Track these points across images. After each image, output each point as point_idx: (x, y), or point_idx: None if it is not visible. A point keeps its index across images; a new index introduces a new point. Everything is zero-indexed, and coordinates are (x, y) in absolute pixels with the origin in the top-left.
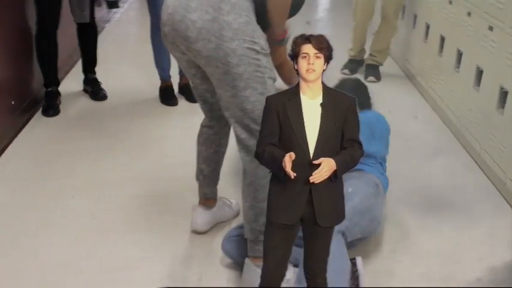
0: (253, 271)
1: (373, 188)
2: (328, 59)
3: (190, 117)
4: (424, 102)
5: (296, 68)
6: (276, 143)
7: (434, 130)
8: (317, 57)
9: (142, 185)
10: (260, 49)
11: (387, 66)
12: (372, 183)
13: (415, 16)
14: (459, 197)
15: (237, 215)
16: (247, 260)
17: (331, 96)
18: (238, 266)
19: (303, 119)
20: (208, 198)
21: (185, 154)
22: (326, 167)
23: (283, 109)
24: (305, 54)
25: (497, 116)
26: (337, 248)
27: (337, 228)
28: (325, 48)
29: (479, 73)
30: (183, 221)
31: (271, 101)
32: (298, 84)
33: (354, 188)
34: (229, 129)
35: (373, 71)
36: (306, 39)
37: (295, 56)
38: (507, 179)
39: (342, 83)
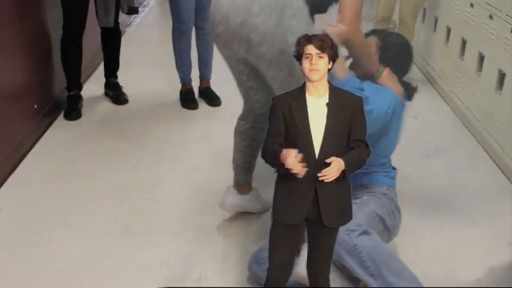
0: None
1: (383, 198)
2: (333, 58)
3: (210, 121)
4: (445, 106)
5: (301, 69)
6: (282, 142)
7: (455, 133)
8: (320, 57)
9: (163, 189)
10: None
11: None
12: (380, 195)
13: (436, 19)
14: (481, 199)
15: (266, 209)
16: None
17: (337, 96)
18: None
19: (308, 119)
20: (240, 185)
21: (206, 158)
22: (336, 166)
23: (288, 109)
24: (308, 55)
25: None
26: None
27: (360, 229)
28: (327, 48)
29: (502, 76)
30: (203, 224)
31: (277, 101)
32: (304, 84)
33: (368, 196)
34: (266, 125)
35: None
36: (308, 39)
37: (299, 56)
38: None
39: (383, 36)
